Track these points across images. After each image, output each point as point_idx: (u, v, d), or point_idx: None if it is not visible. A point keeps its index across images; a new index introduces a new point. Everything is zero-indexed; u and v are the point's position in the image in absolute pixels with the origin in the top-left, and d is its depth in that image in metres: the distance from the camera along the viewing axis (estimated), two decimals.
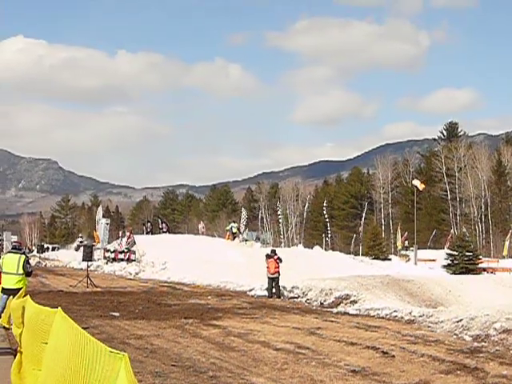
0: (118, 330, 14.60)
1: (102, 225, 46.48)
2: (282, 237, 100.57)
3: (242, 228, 58.91)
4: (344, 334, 14.45)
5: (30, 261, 18.06)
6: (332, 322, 17.00)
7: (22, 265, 14.69)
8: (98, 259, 42.20)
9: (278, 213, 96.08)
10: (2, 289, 14.76)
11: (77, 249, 56.47)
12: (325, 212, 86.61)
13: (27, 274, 14.93)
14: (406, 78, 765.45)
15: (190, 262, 36.36)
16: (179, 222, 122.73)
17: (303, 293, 23.92)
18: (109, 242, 47.56)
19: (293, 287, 24.81)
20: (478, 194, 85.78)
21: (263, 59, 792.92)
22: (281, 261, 25.30)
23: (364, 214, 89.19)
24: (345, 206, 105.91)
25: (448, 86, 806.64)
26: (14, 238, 60.34)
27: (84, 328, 12.58)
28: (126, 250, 41.07)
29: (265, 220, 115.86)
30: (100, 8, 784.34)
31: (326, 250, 57.64)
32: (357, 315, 18.84)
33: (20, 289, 13.90)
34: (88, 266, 31.74)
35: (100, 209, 54.70)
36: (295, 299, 23.65)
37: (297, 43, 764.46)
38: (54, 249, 79.94)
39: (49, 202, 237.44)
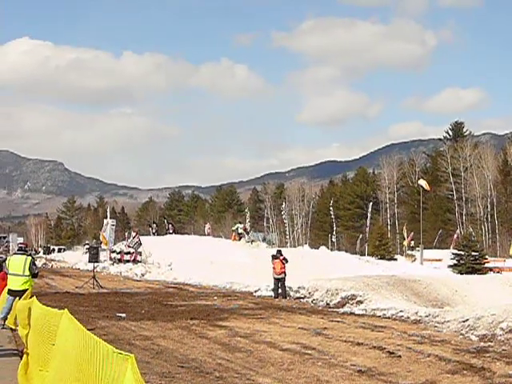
0: (125, 331, 14.62)
1: (108, 226, 46.56)
2: (287, 237, 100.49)
3: (248, 228, 58.87)
4: (350, 334, 14.44)
5: (36, 262, 18.11)
6: (338, 322, 16.99)
7: (28, 266, 14.73)
8: (104, 260, 42.28)
9: (284, 213, 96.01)
10: (9, 290, 14.80)
11: (86, 253, 56.58)
12: (331, 209, 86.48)
13: (33, 275, 14.97)
14: (412, 77, 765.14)
15: (196, 263, 36.44)
16: (185, 223, 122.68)
17: (309, 293, 23.91)
18: (115, 243, 47.66)
19: (299, 287, 24.81)
20: (484, 193, 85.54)
21: (269, 60, 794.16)
22: (287, 261, 25.30)
23: (370, 214, 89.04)
24: (350, 206, 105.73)
25: (454, 85, 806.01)
26: (20, 240, 60.42)
27: (90, 329, 12.59)
28: (131, 251, 41.13)
29: (270, 220, 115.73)
30: (106, 9, 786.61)
31: (331, 250, 57.60)
32: (363, 315, 18.82)
33: (26, 290, 13.92)
34: (94, 267, 31.79)
35: (107, 212, 54.66)
36: (301, 299, 23.64)
37: (303, 43, 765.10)
38: (60, 250, 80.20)
39: (55, 203, 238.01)
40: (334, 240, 79.04)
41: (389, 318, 18.04)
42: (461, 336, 14.29)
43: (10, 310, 14.39)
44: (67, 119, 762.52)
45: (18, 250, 15.94)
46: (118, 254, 42.40)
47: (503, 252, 68.75)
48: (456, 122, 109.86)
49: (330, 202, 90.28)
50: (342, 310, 20.27)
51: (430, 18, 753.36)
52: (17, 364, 9.27)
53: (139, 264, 39.84)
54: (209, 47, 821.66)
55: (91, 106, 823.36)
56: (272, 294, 24.88)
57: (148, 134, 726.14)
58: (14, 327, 13.84)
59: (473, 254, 42.75)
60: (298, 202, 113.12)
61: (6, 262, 15.49)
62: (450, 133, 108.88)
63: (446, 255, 49.37)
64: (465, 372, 10.22)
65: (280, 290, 24.56)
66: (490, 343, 13.15)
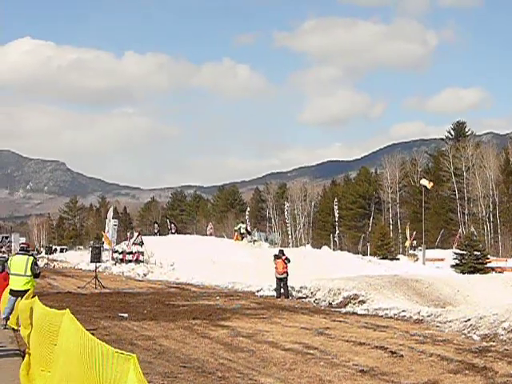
0: (127, 331, 14.62)
1: (111, 226, 46.59)
2: (289, 237, 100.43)
3: (250, 228, 58.88)
4: (352, 333, 14.43)
5: (38, 262, 18.12)
6: (340, 322, 16.98)
7: (30, 266, 14.72)
8: (107, 260, 42.28)
9: (286, 213, 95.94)
10: (11, 290, 14.79)
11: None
12: (336, 208, 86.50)
13: (35, 275, 14.96)
14: (413, 77, 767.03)
15: (199, 263, 36.45)
16: (187, 223, 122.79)
17: (311, 293, 23.91)
18: (117, 243, 47.68)
19: (301, 287, 24.81)
20: (486, 193, 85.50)
21: (271, 59, 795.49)
22: (289, 261, 25.28)
23: (372, 214, 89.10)
24: (353, 206, 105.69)
25: (455, 85, 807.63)
26: (22, 240, 60.46)
27: (92, 329, 12.61)
28: (134, 251, 41.16)
29: (273, 220, 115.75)
30: (108, 9, 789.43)
31: (334, 250, 57.59)
32: (365, 315, 18.82)
33: (28, 290, 13.92)
34: (96, 268, 31.79)
35: (110, 212, 54.61)
36: (303, 299, 23.64)
37: (304, 43, 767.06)
38: (62, 250, 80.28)
39: (57, 203, 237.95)
40: (336, 240, 79.10)
41: (391, 317, 18.04)
42: (463, 336, 14.28)
43: (12, 310, 14.38)
44: (69, 119, 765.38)
45: (20, 250, 15.94)
46: (120, 254, 42.42)
47: (505, 251, 68.88)
48: (458, 122, 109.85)
49: (333, 201, 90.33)
50: (344, 310, 20.26)
51: (431, 17, 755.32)
52: (19, 364, 9.28)
53: (141, 264, 39.85)
54: (210, 47, 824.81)
55: (92, 106, 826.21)
56: (274, 293, 24.88)
57: (149, 134, 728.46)
58: (16, 327, 13.86)
59: (475, 253, 42.75)
60: (300, 201, 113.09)
61: (8, 262, 15.49)
62: (452, 132, 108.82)
63: (448, 255, 49.41)
64: (467, 372, 10.21)
65: (282, 290, 24.56)
66: (492, 343, 13.14)
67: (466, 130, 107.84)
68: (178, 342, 13.02)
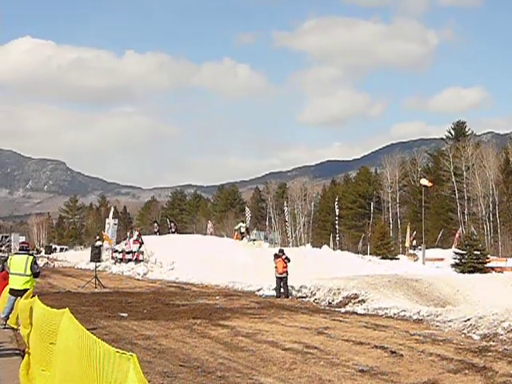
0: (126, 330, 14.61)
1: (110, 225, 46.58)
2: (289, 236, 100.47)
3: (250, 227, 58.88)
4: (352, 333, 14.43)
5: (38, 262, 18.10)
6: (340, 321, 16.99)
7: (30, 266, 14.71)
8: (106, 260, 42.25)
9: (286, 213, 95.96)
10: (10, 290, 14.78)
11: None
12: (337, 207, 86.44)
13: (35, 274, 14.95)
14: (414, 77, 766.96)
15: (198, 262, 36.40)
16: (187, 222, 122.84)
17: (311, 292, 23.91)
18: (117, 243, 47.66)
19: (301, 287, 24.81)
20: (485, 192, 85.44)
21: (271, 59, 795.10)
22: (289, 260, 25.29)
23: (372, 214, 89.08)
24: (353, 206, 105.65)
25: (455, 85, 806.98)
26: (22, 239, 60.45)
27: (92, 329, 12.59)
28: (134, 251, 41.15)
29: (273, 220, 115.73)
30: (108, 9, 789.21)
31: (334, 249, 57.52)
32: (365, 315, 18.82)
33: (27, 290, 13.91)
34: (96, 267, 31.76)
35: (111, 212, 54.56)
36: (303, 299, 23.64)
37: (304, 43, 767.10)
38: (61, 249, 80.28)
39: (57, 202, 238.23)
40: (336, 239, 79.10)
41: (391, 317, 18.04)
42: (463, 335, 14.29)
43: (12, 309, 14.38)
44: (69, 118, 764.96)
45: (19, 250, 15.91)
46: (119, 253, 42.39)
47: (505, 251, 68.85)
48: (458, 122, 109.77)
49: (333, 201, 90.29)
50: (344, 310, 20.27)
51: (431, 17, 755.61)
52: (18, 364, 9.28)
53: (141, 263, 39.79)
54: (211, 47, 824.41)
55: (92, 106, 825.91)
56: (274, 293, 24.88)
57: (150, 133, 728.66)
58: (15, 327, 13.86)
59: (475, 253, 42.68)
60: (300, 201, 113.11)
61: (8, 261, 15.48)
62: (452, 132, 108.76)
63: (448, 254, 49.34)
64: (467, 371, 10.22)
65: (282, 290, 24.57)
66: (491, 342, 13.14)
67: (466, 129, 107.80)
68: (178, 342, 13.01)
